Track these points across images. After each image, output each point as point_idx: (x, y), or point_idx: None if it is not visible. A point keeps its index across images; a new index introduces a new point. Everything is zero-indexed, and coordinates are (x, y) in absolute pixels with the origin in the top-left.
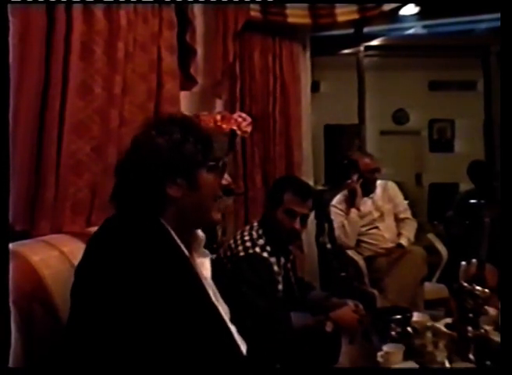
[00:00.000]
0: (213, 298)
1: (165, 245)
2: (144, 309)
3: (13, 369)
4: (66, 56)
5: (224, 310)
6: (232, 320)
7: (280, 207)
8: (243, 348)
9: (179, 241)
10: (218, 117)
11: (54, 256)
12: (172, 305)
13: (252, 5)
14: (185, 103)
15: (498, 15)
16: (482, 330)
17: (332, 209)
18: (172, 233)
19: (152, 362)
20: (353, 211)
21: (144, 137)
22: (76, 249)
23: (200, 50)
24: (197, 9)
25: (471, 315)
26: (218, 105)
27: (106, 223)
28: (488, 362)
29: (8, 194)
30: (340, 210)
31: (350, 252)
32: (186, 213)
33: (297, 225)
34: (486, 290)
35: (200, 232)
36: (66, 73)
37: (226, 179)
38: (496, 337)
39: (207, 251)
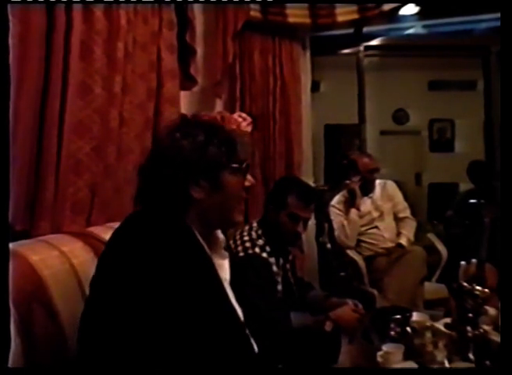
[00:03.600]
0: (232, 300)
1: (189, 244)
2: (163, 306)
3: (13, 369)
4: (66, 56)
5: (240, 311)
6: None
7: (284, 210)
8: (256, 348)
9: (202, 241)
10: (218, 117)
11: (54, 256)
12: (190, 301)
13: (252, 5)
14: (185, 103)
15: (498, 15)
16: (482, 330)
17: (332, 209)
18: (196, 233)
19: (170, 359)
20: (353, 211)
21: (169, 139)
22: (76, 249)
23: (199, 50)
24: (197, 9)
25: (470, 315)
26: (218, 104)
27: (131, 217)
28: (487, 362)
29: (8, 194)
30: (340, 210)
31: (350, 252)
32: (209, 214)
33: (300, 229)
34: (486, 290)
35: (220, 234)
36: (66, 72)
37: (250, 180)
38: (496, 337)
39: (226, 253)
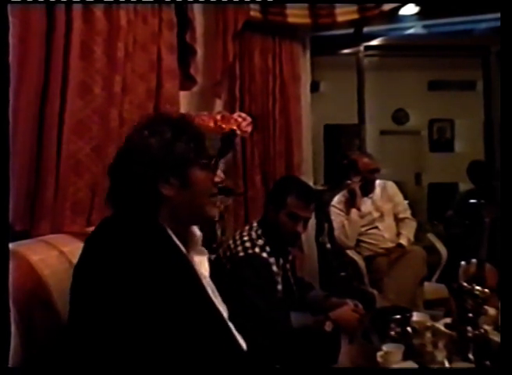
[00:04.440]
0: (212, 296)
1: (163, 244)
2: (142, 308)
3: (13, 368)
4: (66, 56)
5: (222, 308)
6: (230, 319)
7: (283, 210)
8: (244, 345)
9: (176, 240)
10: (218, 117)
11: (54, 256)
12: (170, 302)
13: (252, 5)
14: (184, 103)
15: (498, 15)
16: (482, 330)
17: (332, 209)
18: (169, 231)
19: (153, 359)
20: (354, 211)
21: (137, 137)
22: (76, 249)
23: (199, 50)
24: (197, 9)
25: (470, 315)
26: (218, 105)
27: (103, 223)
28: (487, 362)
29: (9, 193)
30: (340, 210)
31: (350, 252)
32: (181, 211)
33: (300, 228)
34: (486, 290)
35: (197, 230)
36: (66, 72)
37: (219, 175)
38: (496, 337)
39: (205, 250)
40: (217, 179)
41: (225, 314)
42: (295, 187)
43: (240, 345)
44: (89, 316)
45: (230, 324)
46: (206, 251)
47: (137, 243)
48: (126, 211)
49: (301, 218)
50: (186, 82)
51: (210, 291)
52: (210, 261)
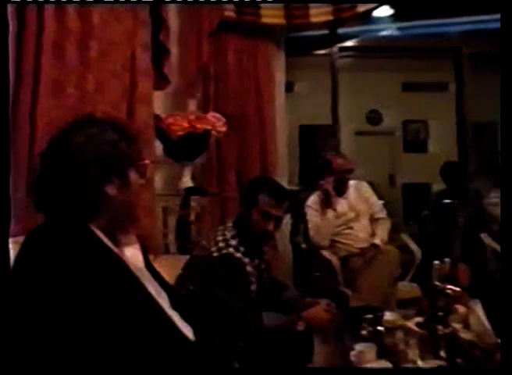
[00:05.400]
0: (148, 287)
1: (91, 247)
2: (73, 312)
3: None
4: (38, 55)
5: (161, 298)
6: (173, 307)
7: (255, 208)
8: (189, 333)
9: (106, 240)
10: (192, 117)
11: None
12: (101, 303)
13: (227, 5)
14: (158, 103)
15: (470, 18)
16: (451, 328)
17: (308, 210)
18: (100, 234)
19: (93, 359)
20: (330, 211)
21: (81, 136)
22: None
23: (174, 50)
24: (172, 9)
25: (441, 313)
26: (192, 105)
27: (31, 236)
28: (459, 360)
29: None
30: (315, 210)
31: (325, 252)
32: (120, 210)
33: (271, 227)
34: (458, 289)
35: None
36: (38, 71)
37: (143, 179)
38: (465, 335)
39: (134, 238)
40: (143, 181)
41: (164, 303)
42: (266, 186)
43: (182, 334)
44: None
45: (172, 313)
46: (136, 239)
47: (64, 249)
48: (59, 214)
49: (273, 216)
50: (160, 82)
51: (145, 282)
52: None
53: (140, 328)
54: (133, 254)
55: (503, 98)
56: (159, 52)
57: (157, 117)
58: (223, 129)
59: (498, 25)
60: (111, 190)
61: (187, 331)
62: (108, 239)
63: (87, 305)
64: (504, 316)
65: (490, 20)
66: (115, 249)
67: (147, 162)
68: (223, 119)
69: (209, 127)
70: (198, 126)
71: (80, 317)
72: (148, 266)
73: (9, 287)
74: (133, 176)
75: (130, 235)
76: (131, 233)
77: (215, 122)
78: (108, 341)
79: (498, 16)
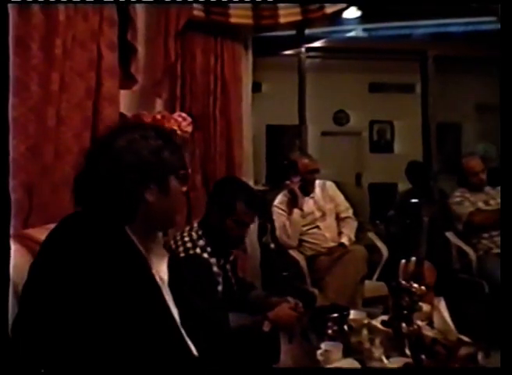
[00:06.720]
0: (167, 301)
1: (124, 249)
2: (95, 311)
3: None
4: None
5: (176, 313)
6: (181, 323)
7: (231, 216)
8: (193, 349)
9: (138, 244)
10: (159, 117)
11: None
12: (122, 305)
13: (195, 5)
14: (124, 102)
15: (436, 21)
16: (415, 326)
17: (275, 210)
18: (135, 239)
19: (106, 364)
20: (296, 211)
21: (124, 140)
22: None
23: (141, 49)
24: (139, 8)
25: (405, 311)
26: (159, 104)
27: (67, 220)
28: (423, 357)
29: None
30: (282, 210)
31: (292, 252)
32: (156, 217)
33: (246, 233)
34: (423, 287)
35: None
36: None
37: (186, 186)
38: (429, 332)
39: (165, 251)
40: (184, 189)
41: (178, 319)
42: (243, 194)
43: (190, 351)
44: (38, 318)
45: (182, 329)
46: (166, 253)
47: (98, 246)
48: (94, 211)
49: (248, 224)
50: (127, 81)
51: (166, 296)
52: (170, 264)
53: (152, 337)
54: (160, 264)
55: (503, 98)
56: (126, 51)
57: (122, 116)
58: (189, 128)
59: (461, 28)
60: (150, 196)
61: (192, 347)
62: (140, 244)
63: (105, 300)
64: (504, 316)
65: (454, 24)
66: (145, 255)
67: (189, 171)
68: (189, 119)
69: (175, 127)
70: (164, 125)
71: (95, 311)
72: (171, 283)
73: (38, 264)
74: (173, 183)
75: (161, 246)
76: (162, 243)
77: (181, 121)
78: (118, 344)
79: (462, 19)
